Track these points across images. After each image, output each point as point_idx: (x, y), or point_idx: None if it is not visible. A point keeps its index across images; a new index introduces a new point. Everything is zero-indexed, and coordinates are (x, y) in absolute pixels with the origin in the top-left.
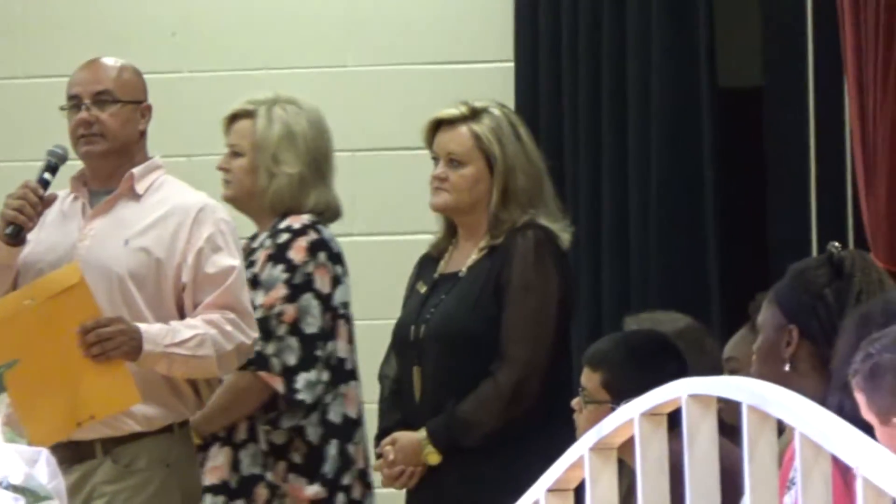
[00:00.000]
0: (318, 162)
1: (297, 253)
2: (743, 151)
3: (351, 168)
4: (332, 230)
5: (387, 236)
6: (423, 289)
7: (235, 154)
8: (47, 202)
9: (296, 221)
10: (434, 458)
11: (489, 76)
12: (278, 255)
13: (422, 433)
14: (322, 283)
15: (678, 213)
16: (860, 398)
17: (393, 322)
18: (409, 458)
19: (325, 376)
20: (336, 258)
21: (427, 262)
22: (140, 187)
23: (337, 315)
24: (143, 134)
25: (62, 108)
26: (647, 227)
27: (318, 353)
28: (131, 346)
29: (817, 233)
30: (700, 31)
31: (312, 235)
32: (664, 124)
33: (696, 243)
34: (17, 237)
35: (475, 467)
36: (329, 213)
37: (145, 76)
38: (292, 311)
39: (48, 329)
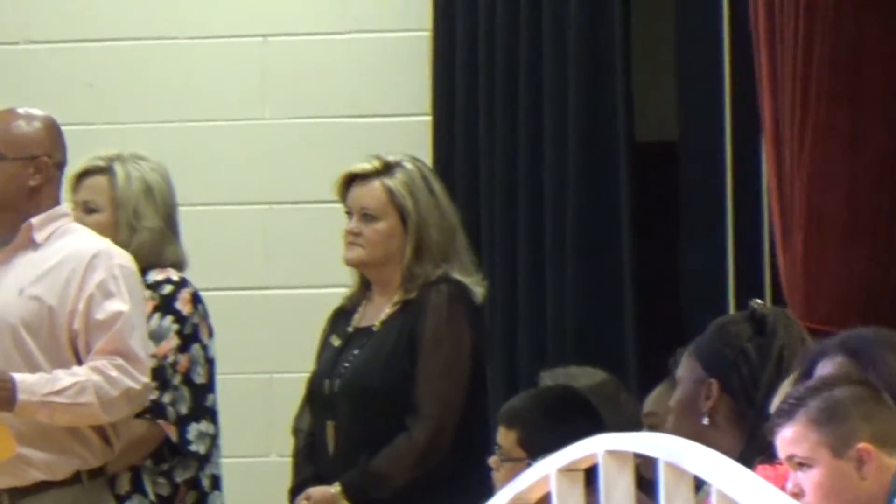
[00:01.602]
0: (172, 217)
1: (183, 305)
2: (659, 206)
3: (267, 221)
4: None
5: (302, 289)
6: (337, 342)
7: (90, 210)
8: None
9: (170, 274)
10: None
11: (406, 130)
12: (165, 306)
13: (336, 487)
14: (204, 335)
15: (594, 268)
16: (807, 436)
17: (307, 374)
18: None
19: (212, 428)
20: (207, 311)
21: (341, 316)
22: (39, 236)
23: (212, 367)
24: (36, 189)
25: None
26: (563, 282)
27: (206, 403)
28: (3, 396)
29: (734, 289)
30: (617, 84)
31: (191, 288)
32: (580, 178)
33: (612, 298)
34: None
35: None
36: (182, 265)
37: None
38: (185, 361)
39: None
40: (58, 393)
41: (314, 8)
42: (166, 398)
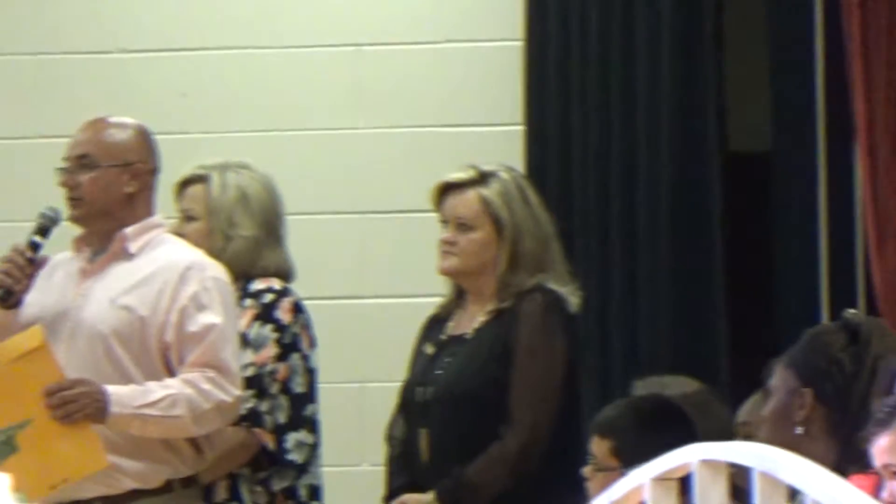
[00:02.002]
0: (273, 225)
1: (284, 314)
2: (752, 216)
3: (360, 230)
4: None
5: (395, 299)
6: (430, 350)
7: (190, 218)
8: (38, 264)
9: (273, 283)
10: None
11: (499, 139)
12: (266, 314)
13: (430, 495)
14: (304, 345)
15: (687, 278)
16: None
17: (400, 383)
18: None
19: (311, 438)
20: (309, 321)
21: (434, 323)
22: (133, 247)
23: (313, 377)
24: (132, 196)
25: (57, 170)
26: (656, 291)
27: (305, 413)
28: (95, 407)
29: (828, 299)
30: (710, 94)
31: (293, 298)
32: (674, 187)
33: (706, 308)
34: (6, 299)
35: None
36: (285, 274)
37: (154, 137)
38: (284, 370)
39: (12, 391)
40: (150, 405)
41: (407, 17)
42: (263, 406)
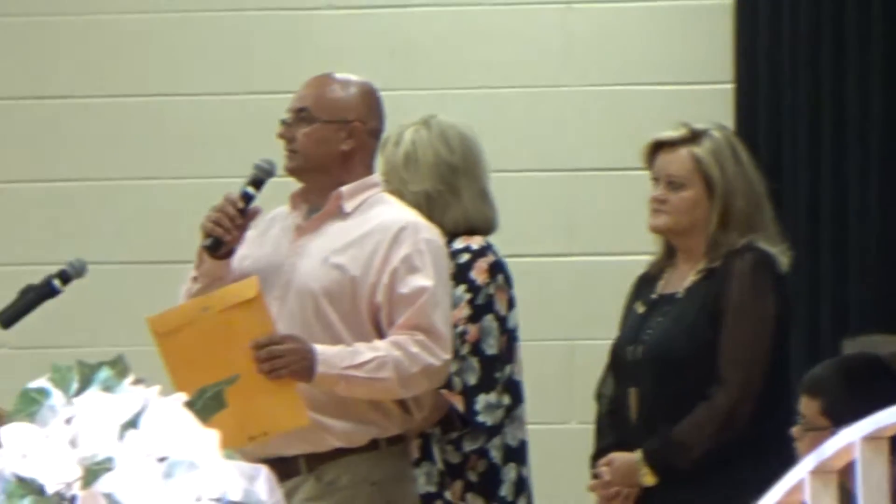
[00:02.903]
0: (447, 178)
1: (479, 274)
2: None
3: (567, 188)
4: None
5: (604, 256)
6: (641, 309)
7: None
8: (249, 216)
9: (472, 242)
10: (649, 479)
11: (709, 97)
12: (460, 275)
13: (637, 454)
14: (500, 305)
15: None
16: None
17: (609, 342)
18: (624, 479)
19: (506, 399)
20: (509, 281)
21: (645, 282)
22: (349, 206)
23: (511, 338)
24: (348, 154)
25: (280, 122)
26: (866, 250)
27: (497, 374)
28: (301, 366)
29: None
30: None
31: (491, 257)
32: (885, 146)
33: None
34: (215, 249)
35: (690, 490)
36: (472, 230)
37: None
38: (475, 332)
39: (222, 339)
40: (357, 367)
41: None
42: (452, 368)
